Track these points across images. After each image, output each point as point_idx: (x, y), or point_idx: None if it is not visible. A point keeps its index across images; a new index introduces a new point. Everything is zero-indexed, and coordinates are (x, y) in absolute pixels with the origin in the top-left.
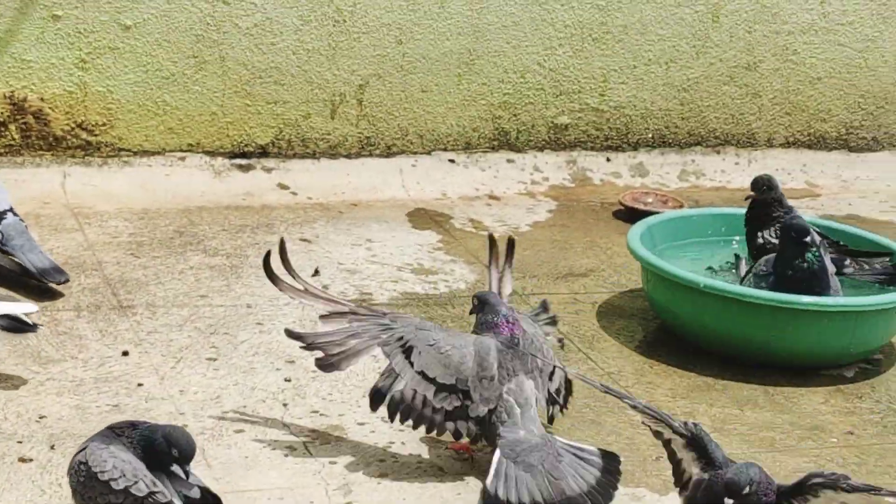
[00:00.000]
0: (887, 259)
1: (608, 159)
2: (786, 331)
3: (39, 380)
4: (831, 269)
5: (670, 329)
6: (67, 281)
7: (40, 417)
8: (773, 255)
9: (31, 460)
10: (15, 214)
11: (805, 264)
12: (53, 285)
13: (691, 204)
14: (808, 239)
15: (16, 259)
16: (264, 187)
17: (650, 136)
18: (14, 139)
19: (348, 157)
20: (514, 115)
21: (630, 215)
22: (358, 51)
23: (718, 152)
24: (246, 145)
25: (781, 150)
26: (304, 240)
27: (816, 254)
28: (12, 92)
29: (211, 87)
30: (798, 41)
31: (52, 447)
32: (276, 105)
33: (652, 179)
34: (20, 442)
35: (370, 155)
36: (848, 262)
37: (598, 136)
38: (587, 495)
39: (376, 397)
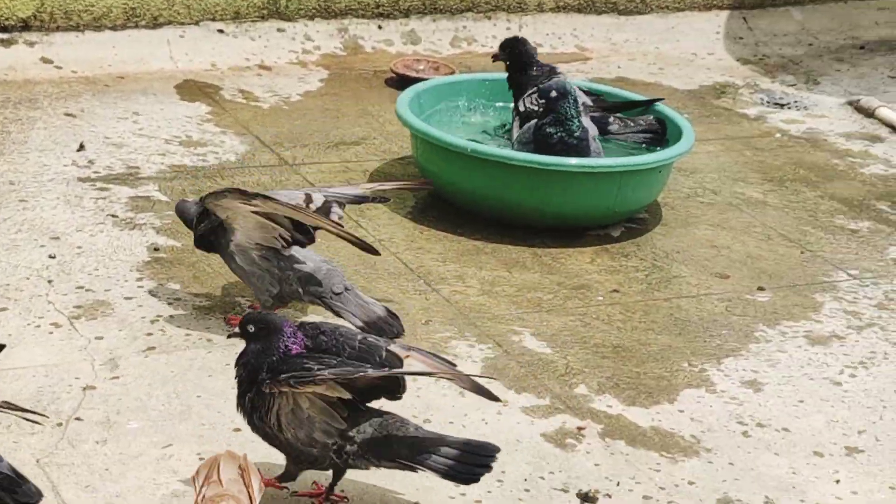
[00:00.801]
0: (651, 117)
1: (380, 27)
2: (552, 193)
3: None
4: (593, 131)
5: (440, 195)
6: None
7: None
8: (535, 121)
9: None
10: None
11: (561, 132)
12: None
13: (463, 70)
14: (557, 96)
15: None
16: (27, 62)
17: (421, 2)
18: None
19: (114, 28)
20: None
21: (402, 83)
22: None
23: (490, 18)
24: (7, 18)
25: (552, 15)
26: (69, 114)
27: (576, 122)
28: None
29: None
30: None
31: None
32: None
33: (424, 47)
34: None
35: (136, 26)
36: (612, 119)
37: (369, 4)
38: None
39: None
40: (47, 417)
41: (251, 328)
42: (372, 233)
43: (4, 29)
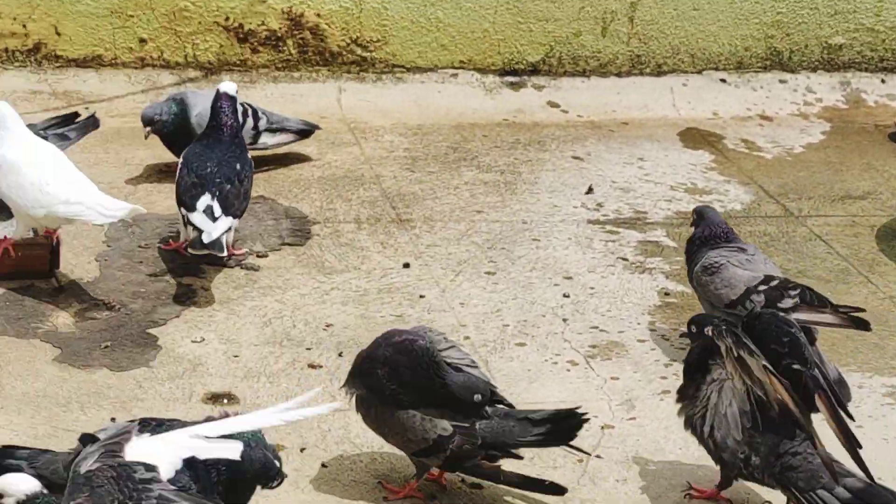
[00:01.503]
0: None
1: (883, 81)
2: None
3: (324, 289)
4: None
5: None
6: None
7: (327, 326)
8: None
9: (320, 367)
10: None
11: None
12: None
13: None
14: None
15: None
16: (534, 105)
17: None
18: (291, 54)
19: (618, 75)
20: (787, 35)
21: None
22: None
23: None
24: (517, 63)
25: None
26: (576, 157)
27: None
28: (290, 7)
29: (483, 4)
30: None
31: (340, 354)
32: (547, 23)
33: None
34: (309, 349)
35: (640, 74)
36: None
37: (872, 58)
38: None
39: None
40: (588, 454)
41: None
42: (882, 289)
43: (514, 73)
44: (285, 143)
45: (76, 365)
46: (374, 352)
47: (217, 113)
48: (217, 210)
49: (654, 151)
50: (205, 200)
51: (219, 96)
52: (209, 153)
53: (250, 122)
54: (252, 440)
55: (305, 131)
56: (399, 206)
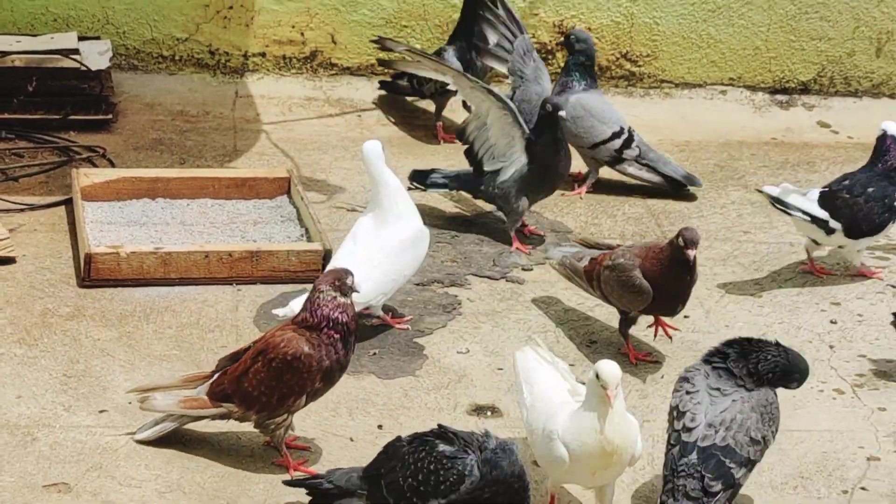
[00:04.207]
0: None
1: None
2: None
3: (588, 305)
4: None
5: None
6: (700, 185)
7: (591, 342)
8: None
9: (583, 384)
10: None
11: None
12: (692, 189)
13: None
14: None
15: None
16: (804, 124)
17: None
18: (560, 66)
19: (892, 96)
20: None
21: None
22: None
23: None
24: (787, 81)
25: None
26: None
27: None
28: (562, 20)
29: (756, 21)
30: None
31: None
32: (820, 41)
33: None
34: (572, 365)
35: None
36: None
37: None
38: None
39: None
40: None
41: None
42: None
43: (784, 91)
44: (647, 181)
45: (346, 371)
46: None
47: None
48: None
49: None
50: None
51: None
52: None
53: (617, 142)
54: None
55: (675, 182)
56: (664, 223)
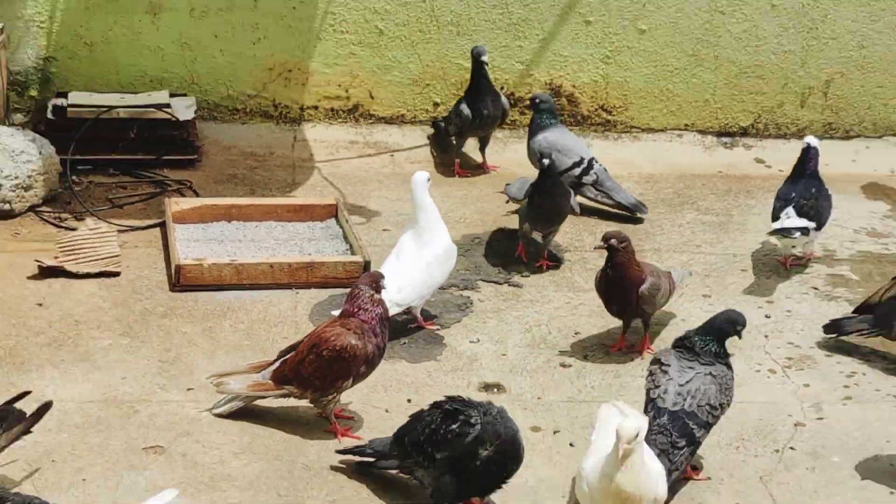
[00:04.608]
0: None
1: None
2: None
3: (574, 304)
4: None
5: None
6: (646, 212)
7: (576, 333)
8: None
9: (569, 366)
10: (599, 164)
11: None
12: (640, 215)
13: None
14: None
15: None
16: (744, 161)
17: None
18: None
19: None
20: None
21: None
22: (826, 53)
23: None
24: (730, 126)
25: None
26: None
27: None
28: (551, 80)
29: (706, 80)
30: None
31: (586, 357)
32: (756, 95)
33: None
34: (562, 352)
35: (831, 137)
36: None
37: None
38: None
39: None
40: None
41: None
42: None
43: (728, 135)
44: (602, 205)
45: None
46: None
47: None
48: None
49: (841, 201)
50: None
51: None
52: None
53: (577, 171)
54: None
55: (626, 207)
56: (634, 238)
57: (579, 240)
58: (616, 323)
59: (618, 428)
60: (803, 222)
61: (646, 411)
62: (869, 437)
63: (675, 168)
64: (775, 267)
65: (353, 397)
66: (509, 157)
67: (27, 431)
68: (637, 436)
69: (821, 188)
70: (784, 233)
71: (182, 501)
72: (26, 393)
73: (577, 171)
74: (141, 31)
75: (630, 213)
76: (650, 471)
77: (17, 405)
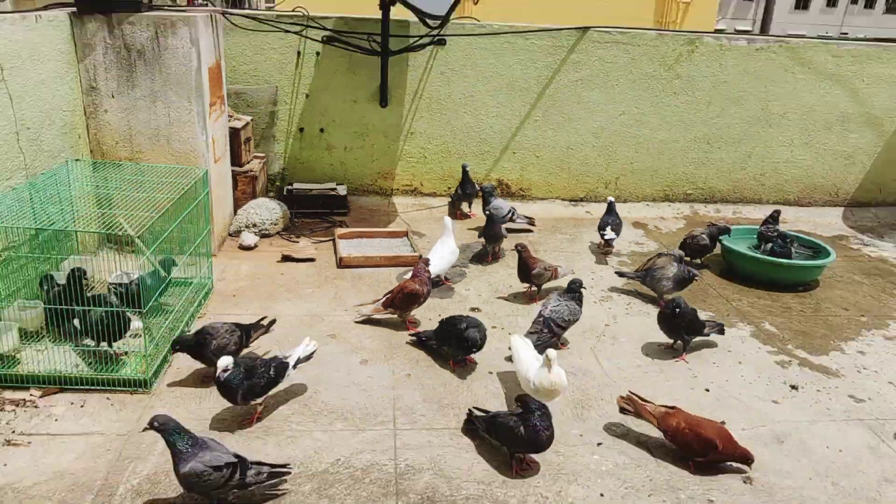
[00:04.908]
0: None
1: None
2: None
3: (507, 275)
4: None
5: None
6: (535, 229)
7: (509, 286)
8: None
9: (508, 299)
10: (517, 211)
11: None
12: (533, 229)
13: None
14: None
15: (519, 223)
16: (582, 212)
17: None
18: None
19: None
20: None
21: None
22: (616, 162)
23: None
24: (575, 197)
25: None
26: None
27: None
28: (499, 177)
29: (564, 178)
30: None
31: (515, 297)
32: (588, 177)
33: None
34: (503, 296)
35: (622, 201)
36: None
37: None
38: None
39: None
40: None
41: None
42: None
43: (574, 200)
44: (520, 226)
45: (430, 296)
46: None
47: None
48: None
49: (625, 229)
50: None
51: None
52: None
53: (509, 215)
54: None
55: (525, 226)
56: (531, 247)
57: (509, 247)
58: (526, 285)
59: (547, 351)
60: (614, 234)
61: (536, 320)
62: (639, 332)
63: (551, 215)
64: (597, 256)
65: (415, 314)
66: (477, 210)
67: (267, 331)
68: (555, 355)
69: (618, 220)
70: (607, 238)
71: (334, 348)
72: (271, 320)
73: (509, 215)
74: (323, 157)
75: (530, 230)
76: (561, 371)
77: (264, 322)
